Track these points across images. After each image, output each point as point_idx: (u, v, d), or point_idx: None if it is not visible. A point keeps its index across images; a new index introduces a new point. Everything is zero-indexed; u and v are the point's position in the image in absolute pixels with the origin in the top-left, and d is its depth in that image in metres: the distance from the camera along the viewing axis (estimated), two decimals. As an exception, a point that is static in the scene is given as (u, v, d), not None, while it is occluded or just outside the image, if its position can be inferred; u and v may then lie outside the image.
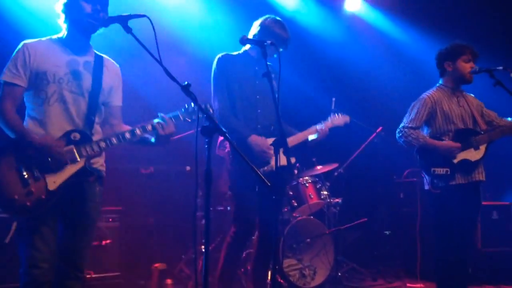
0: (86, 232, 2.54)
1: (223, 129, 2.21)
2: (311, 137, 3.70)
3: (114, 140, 2.50)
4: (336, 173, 5.43)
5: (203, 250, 4.70)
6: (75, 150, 2.41)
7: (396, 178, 5.82)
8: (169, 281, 3.94)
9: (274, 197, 2.79)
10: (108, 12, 2.54)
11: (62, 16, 2.55)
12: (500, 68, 3.32)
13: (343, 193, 5.40)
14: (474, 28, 5.73)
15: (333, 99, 5.44)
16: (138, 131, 2.56)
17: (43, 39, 2.55)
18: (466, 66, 3.58)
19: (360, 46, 6.37)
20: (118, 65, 2.75)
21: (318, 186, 5.07)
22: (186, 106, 2.65)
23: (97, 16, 2.48)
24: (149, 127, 2.57)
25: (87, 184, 2.51)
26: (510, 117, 3.61)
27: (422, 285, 4.83)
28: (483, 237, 5.06)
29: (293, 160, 3.55)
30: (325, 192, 5.08)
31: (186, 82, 2.24)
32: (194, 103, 2.21)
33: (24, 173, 2.31)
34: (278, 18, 3.51)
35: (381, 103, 6.20)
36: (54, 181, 2.36)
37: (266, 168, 3.31)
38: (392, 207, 5.95)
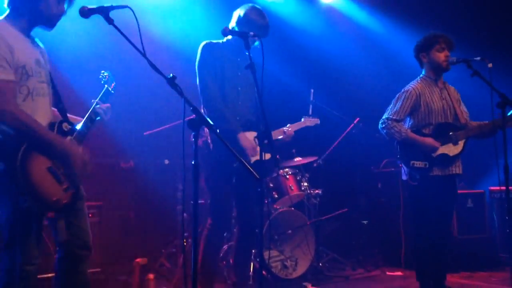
0: (85, 210, 2.58)
1: (210, 121, 2.18)
2: (278, 136, 3.75)
3: (93, 116, 2.59)
4: (315, 164, 5.46)
5: (185, 244, 4.71)
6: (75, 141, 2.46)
7: (374, 168, 5.90)
8: (151, 276, 3.89)
9: (259, 189, 2.77)
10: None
11: None
12: (478, 58, 3.37)
13: (323, 184, 5.44)
14: (452, 19, 5.81)
15: (311, 90, 5.47)
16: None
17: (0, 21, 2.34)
18: (440, 56, 3.64)
19: (338, 38, 6.39)
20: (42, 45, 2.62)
21: (298, 178, 5.09)
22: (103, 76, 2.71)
23: (60, 17, 2.44)
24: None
25: None
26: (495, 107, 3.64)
27: (401, 273, 4.93)
28: (459, 224, 5.18)
29: (268, 156, 3.54)
30: (305, 184, 5.11)
31: (171, 75, 2.21)
32: (180, 95, 2.17)
33: (57, 171, 2.32)
34: (256, 6, 3.50)
35: (358, 94, 6.25)
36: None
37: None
38: (370, 197, 6.03)
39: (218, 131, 3.23)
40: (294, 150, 5.34)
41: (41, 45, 2.54)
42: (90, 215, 4.06)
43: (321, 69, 6.30)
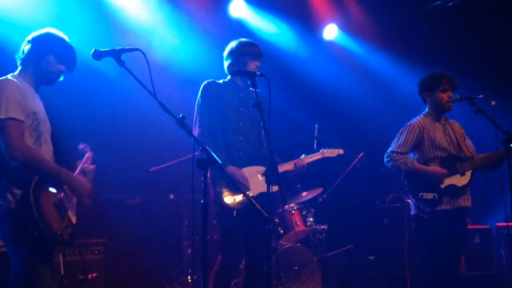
0: None
1: (219, 161, 2.22)
2: (288, 168, 3.74)
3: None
4: (320, 199, 5.46)
5: (189, 280, 4.67)
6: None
7: (379, 203, 5.88)
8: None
9: (267, 227, 2.77)
10: None
11: (23, 55, 2.59)
12: (481, 96, 3.43)
13: (328, 219, 5.42)
14: (454, 56, 5.90)
15: (316, 126, 5.53)
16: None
17: (13, 76, 2.55)
18: (443, 96, 3.69)
19: (341, 73, 6.50)
20: None
21: (304, 213, 5.08)
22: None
23: (59, 75, 2.64)
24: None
25: None
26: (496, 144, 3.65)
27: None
28: (466, 260, 5.12)
29: (275, 188, 3.55)
30: (311, 219, 5.09)
31: (181, 115, 2.25)
32: (189, 135, 2.21)
33: (61, 208, 2.43)
34: (242, 39, 3.58)
35: (362, 129, 6.30)
36: (73, 215, 2.55)
37: (250, 193, 3.31)
38: (376, 233, 5.99)
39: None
40: (299, 185, 5.35)
41: None
42: (95, 252, 4.08)
43: (325, 104, 6.38)
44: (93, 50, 2.41)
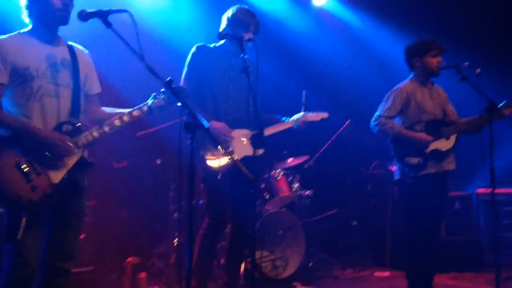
0: (79, 224, 2.57)
1: (206, 125, 2.23)
2: (288, 126, 3.79)
3: (107, 129, 2.52)
4: (306, 166, 5.53)
5: (175, 244, 4.75)
6: (71, 142, 2.43)
7: (363, 170, 5.98)
8: (142, 275, 3.93)
9: (252, 190, 2.82)
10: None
11: (26, 12, 2.52)
12: (466, 64, 3.46)
13: (314, 185, 5.51)
14: (441, 24, 5.91)
15: (304, 92, 5.53)
16: (126, 118, 2.58)
17: (13, 34, 2.50)
18: (433, 61, 3.72)
19: (329, 40, 6.47)
20: (87, 51, 2.75)
21: (289, 179, 5.15)
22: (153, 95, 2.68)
23: (67, 8, 2.49)
24: (145, 108, 2.61)
25: (80, 177, 2.53)
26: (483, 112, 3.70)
27: (389, 273, 5.01)
28: (446, 226, 5.27)
29: (260, 151, 3.59)
30: (296, 185, 5.17)
31: (168, 78, 2.25)
32: (178, 99, 2.21)
33: (26, 169, 2.29)
34: (243, 6, 3.56)
35: (349, 96, 6.34)
36: (56, 175, 2.37)
37: (233, 156, 3.34)
38: (360, 198, 6.11)
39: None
40: (285, 152, 5.40)
41: (80, 48, 2.70)
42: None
43: (313, 71, 6.37)
44: (79, 11, 2.37)
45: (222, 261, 4.37)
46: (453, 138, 3.70)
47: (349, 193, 6.32)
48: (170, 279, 4.21)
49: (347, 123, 5.65)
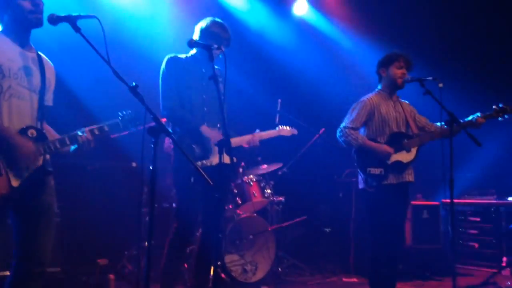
0: (50, 226, 2.55)
1: (169, 129, 2.30)
2: (242, 144, 3.83)
3: (67, 141, 2.53)
4: (280, 172, 5.63)
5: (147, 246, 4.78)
6: (35, 147, 2.42)
7: (336, 177, 6.09)
8: (111, 277, 3.96)
9: (217, 195, 2.89)
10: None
11: None
12: (430, 78, 3.59)
13: (287, 191, 5.60)
14: (413, 39, 6.09)
15: (279, 100, 5.64)
16: (96, 131, 2.61)
17: None
18: (397, 72, 3.85)
19: (306, 49, 6.60)
20: (52, 64, 2.73)
21: (262, 185, 5.24)
22: (123, 113, 2.69)
23: (39, 10, 2.49)
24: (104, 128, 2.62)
25: (46, 178, 2.54)
26: (439, 122, 3.89)
27: (356, 280, 5.11)
28: (413, 234, 5.43)
29: (227, 160, 3.66)
30: (269, 191, 5.26)
31: (134, 83, 2.31)
32: (141, 104, 2.28)
33: None
34: (217, 19, 3.62)
35: (324, 105, 6.45)
36: (16, 178, 2.36)
37: (204, 161, 3.40)
38: (332, 206, 6.22)
39: (183, 135, 3.38)
40: (260, 158, 5.49)
41: (47, 59, 2.68)
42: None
43: (289, 80, 6.49)
44: (49, 15, 2.42)
45: (186, 266, 4.41)
46: (414, 151, 3.83)
47: (322, 200, 6.43)
48: (140, 282, 4.24)
49: (321, 131, 5.77)
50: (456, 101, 4.29)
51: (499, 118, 3.80)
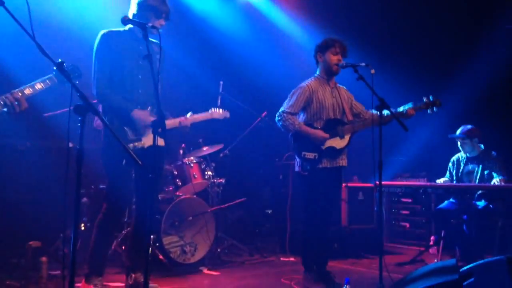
0: None
1: (96, 108, 2.26)
2: (174, 126, 3.79)
3: None
4: (221, 154, 5.65)
5: (82, 229, 4.70)
6: None
7: (277, 160, 6.20)
8: (44, 259, 3.86)
9: (150, 176, 2.88)
10: None
11: None
12: (363, 64, 3.70)
13: (228, 174, 5.64)
14: (355, 26, 6.24)
15: (221, 82, 5.63)
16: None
17: None
18: (333, 58, 3.95)
19: (250, 32, 6.60)
20: None
21: (202, 166, 5.25)
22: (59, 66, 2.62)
23: None
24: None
25: None
26: (374, 109, 4.00)
27: (293, 259, 5.26)
28: (349, 215, 5.63)
29: (162, 142, 3.62)
30: (210, 173, 5.28)
31: (59, 60, 2.25)
32: (68, 81, 2.22)
33: None
34: None
35: (266, 89, 6.51)
36: None
37: (136, 144, 3.36)
38: (273, 188, 6.34)
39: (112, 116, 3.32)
40: (201, 140, 5.48)
41: None
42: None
43: (232, 63, 6.48)
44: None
45: (123, 248, 4.38)
46: (347, 137, 3.96)
47: (262, 182, 6.53)
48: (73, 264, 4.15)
49: (263, 114, 5.83)
50: (389, 87, 4.44)
51: (428, 111, 3.94)
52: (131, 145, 3.30)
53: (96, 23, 3.54)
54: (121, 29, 3.52)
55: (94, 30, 3.46)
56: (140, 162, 2.26)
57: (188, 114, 3.79)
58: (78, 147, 2.21)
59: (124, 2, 3.56)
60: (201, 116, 3.94)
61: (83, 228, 4.68)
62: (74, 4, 5.14)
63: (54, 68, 2.26)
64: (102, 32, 3.43)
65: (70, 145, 4.89)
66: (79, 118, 2.22)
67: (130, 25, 3.48)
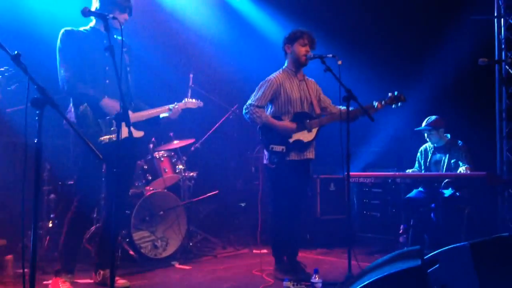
0: None
1: (55, 101, 2.21)
2: (163, 114, 3.82)
3: None
4: (192, 148, 5.62)
5: (50, 226, 4.61)
6: None
7: (249, 153, 6.20)
8: (9, 257, 3.78)
9: (118, 170, 2.84)
10: None
11: None
12: (330, 55, 3.72)
13: (200, 167, 5.61)
14: (323, 17, 6.26)
15: (191, 75, 5.59)
16: None
17: None
18: (301, 50, 3.96)
19: (220, 25, 6.56)
20: None
21: (173, 160, 5.21)
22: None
23: None
24: None
25: None
26: (342, 104, 3.93)
27: (266, 251, 5.26)
28: (321, 206, 5.67)
29: (141, 133, 3.63)
30: (181, 166, 5.24)
31: (16, 52, 2.18)
32: (24, 73, 2.16)
33: None
34: None
35: (237, 82, 6.50)
36: None
37: (112, 136, 3.33)
38: (245, 180, 6.33)
39: (81, 107, 3.27)
40: (171, 134, 5.43)
41: None
42: None
43: (202, 56, 6.43)
44: None
45: (92, 244, 4.32)
46: (314, 131, 3.98)
47: (234, 175, 6.52)
48: (41, 262, 4.09)
49: (234, 107, 5.81)
50: (356, 79, 4.48)
51: (393, 106, 3.96)
52: (107, 138, 3.26)
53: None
54: (82, 28, 3.52)
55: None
56: (101, 157, 2.22)
57: (174, 103, 3.83)
58: (36, 142, 2.15)
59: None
60: (181, 105, 3.93)
61: (51, 225, 4.59)
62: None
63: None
64: (62, 30, 3.43)
65: (36, 141, 4.86)
66: (37, 112, 2.15)
67: (92, 24, 3.51)
